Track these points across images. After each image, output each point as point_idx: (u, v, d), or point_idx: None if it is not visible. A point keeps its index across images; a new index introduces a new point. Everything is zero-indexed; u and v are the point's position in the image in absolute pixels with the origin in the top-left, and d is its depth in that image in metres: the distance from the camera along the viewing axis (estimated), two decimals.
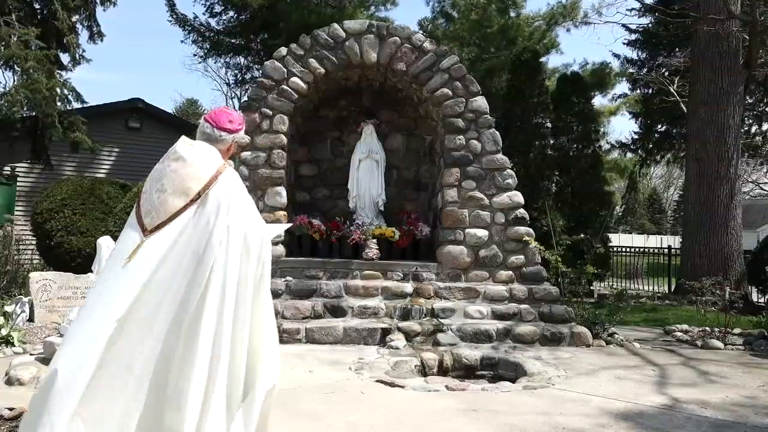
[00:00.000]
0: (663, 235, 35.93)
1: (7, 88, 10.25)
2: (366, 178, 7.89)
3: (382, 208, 7.92)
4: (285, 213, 7.17)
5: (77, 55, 11.66)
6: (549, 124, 11.81)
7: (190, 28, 17.09)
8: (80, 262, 8.20)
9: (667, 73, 15.96)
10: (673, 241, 22.88)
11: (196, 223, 2.37)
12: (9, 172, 11.77)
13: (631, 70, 18.06)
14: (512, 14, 17.86)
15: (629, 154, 20.11)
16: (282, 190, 7.19)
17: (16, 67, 10.26)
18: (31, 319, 6.59)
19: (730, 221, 10.76)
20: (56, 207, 8.80)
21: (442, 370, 5.52)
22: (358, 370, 5.06)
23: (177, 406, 2.21)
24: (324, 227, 7.58)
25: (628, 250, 14.74)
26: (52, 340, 4.90)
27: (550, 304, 6.87)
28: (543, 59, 16.05)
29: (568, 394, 4.45)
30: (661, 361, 5.77)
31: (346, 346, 6.10)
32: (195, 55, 19.82)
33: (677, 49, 15.09)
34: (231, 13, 17.21)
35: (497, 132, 7.38)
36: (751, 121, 17.77)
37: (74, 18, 11.88)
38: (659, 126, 18.56)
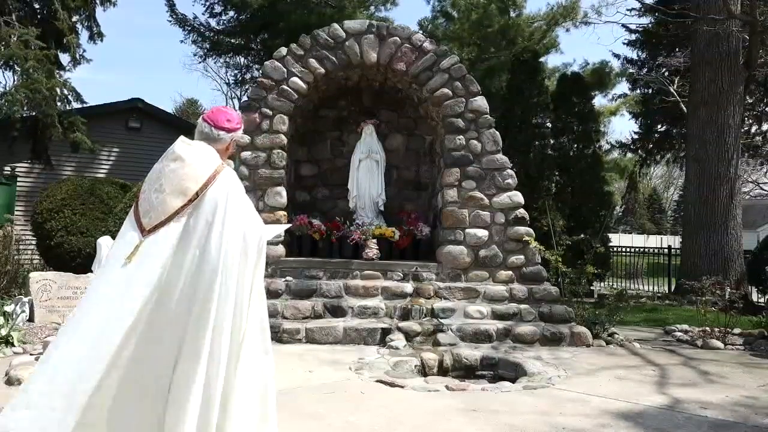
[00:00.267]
0: (663, 235, 35.94)
1: (7, 88, 10.26)
2: (366, 178, 7.89)
3: (382, 208, 7.92)
4: (285, 213, 7.17)
5: (77, 55, 11.64)
6: (549, 124, 11.79)
7: (190, 28, 17.11)
8: (80, 262, 8.21)
9: (667, 73, 15.97)
10: (673, 241, 22.88)
11: (194, 223, 2.37)
12: (9, 172, 11.78)
13: (631, 70, 18.08)
14: (512, 14, 17.89)
15: (629, 154, 20.16)
16: (282, 190, 7.19)
17: (16, 67, 10.25)
18: (31, 319, 6.59)
19: (730, 221, 10.76)
20: (56, 207, 8.80)
21: (442, 370, 5.52)
22: (358, 370, 5.06)
23: (178, 408, 2.21)
24: (324, 227, 7.58)
25: (628, 250, 14.75)
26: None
27: (550, 304, 6.87)
28: (543, 59, 16.06)
29: (568, 394, 4.44)
30: (661, 361, 5.77)
31: (346, 346, 6.10)
32: (195, 55, 19.77)
33: (677, 49, 15.07)
34: (231, 13, 17.23)
35: (497, 132, 7.38)
36: (751, 121, 17.75)
37: (74, 18, 11.88)
38: (659, 126, 18.58)
